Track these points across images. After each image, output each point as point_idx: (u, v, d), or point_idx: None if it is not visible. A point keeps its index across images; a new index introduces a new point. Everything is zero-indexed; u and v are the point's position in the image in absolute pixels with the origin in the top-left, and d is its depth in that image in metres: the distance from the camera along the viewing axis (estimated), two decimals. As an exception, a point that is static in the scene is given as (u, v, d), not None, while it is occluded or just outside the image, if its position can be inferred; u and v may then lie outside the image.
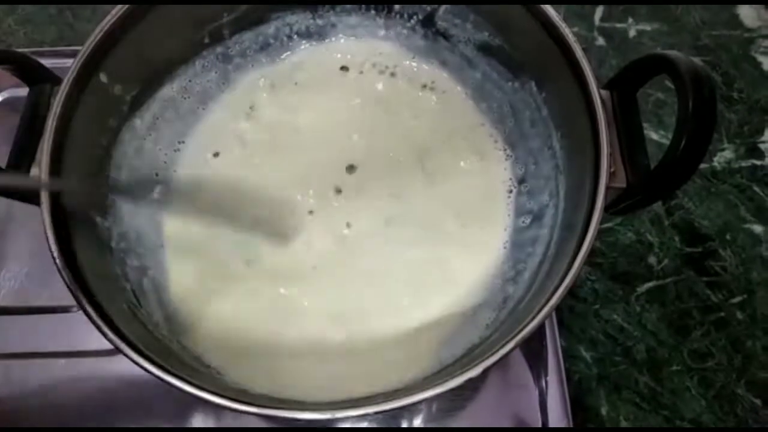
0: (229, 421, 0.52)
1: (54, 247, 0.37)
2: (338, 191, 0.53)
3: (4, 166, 0.41)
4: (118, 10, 0.44)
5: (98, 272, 0.41)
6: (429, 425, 0.53)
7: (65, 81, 0.41)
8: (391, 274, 0.50)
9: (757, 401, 0.58)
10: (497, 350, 0.35)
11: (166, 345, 0.41)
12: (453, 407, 0.53)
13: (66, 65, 0.44)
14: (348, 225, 0.52)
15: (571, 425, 0.52)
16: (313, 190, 0.53)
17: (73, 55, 0.57)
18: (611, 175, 0.39)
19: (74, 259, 0.38)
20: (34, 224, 0.57)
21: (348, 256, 0.51)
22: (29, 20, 0.77)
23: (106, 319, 0.36)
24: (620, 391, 0.58)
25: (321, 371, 0.47)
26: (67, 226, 0.40)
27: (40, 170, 0.39)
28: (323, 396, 0.38)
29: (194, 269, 0.50)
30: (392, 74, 0.57)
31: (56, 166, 0.40)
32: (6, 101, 0.66)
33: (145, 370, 0.35)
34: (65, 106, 0.41)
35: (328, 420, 0.33)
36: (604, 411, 0.57)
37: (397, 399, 0.34)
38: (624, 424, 0.57)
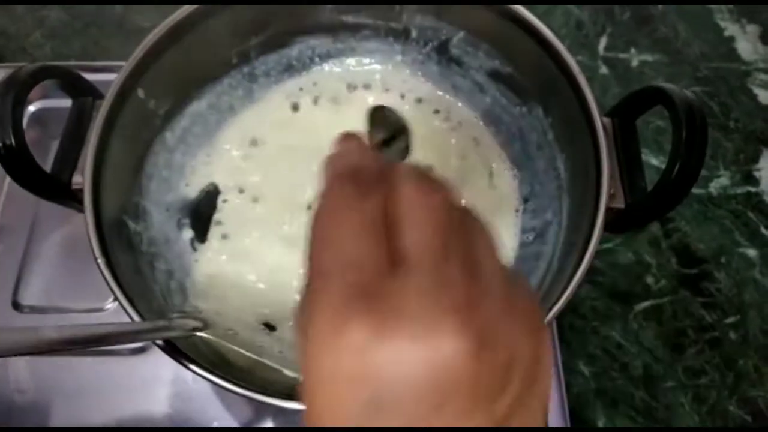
0: (241, 420, 0.54)
1: (96, 249, 0.40)
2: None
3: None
4: (157, 31, 0.47)
5: (130, 273, 0.44)
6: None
7: (108, 95, 0.44)
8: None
9: (748, 418, 0.59)
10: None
11: (192, 342, 0.44)
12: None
13: (94, 79, 0.47)
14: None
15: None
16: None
17: (101, 70, 0.61)
18: (611, 197, 0.42)
19: (110, 260, 0.41)
20: (60, 227, 0.61)
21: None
22: (55, 34, 0.79)
23: (140, 315, 0.39)
24: (617, 405, 0.59)
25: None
26: (103, 229, 0.42)
27: (83, 177, 0.42)
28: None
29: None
30: (405, 96, 0.60)
31: (97, 174, 0.43)
32: (35, 114, 0.68)
33: (180, 362, 0.37)
34: (107, 119, 0.44)
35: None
36: (601, 424, 0.59)
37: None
38: (620, 437, 0.59)
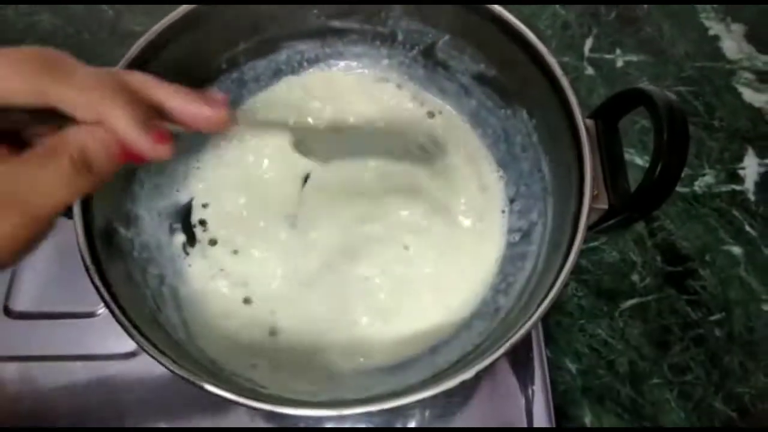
0: (234, 422, 0.54)
1: (86, 256, 0.40)
2: (341, 201, 0.56)
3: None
4: (143, 40, 0.47)
5: (121, 279, 0.44)
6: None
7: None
8: (389, 284, 0.53)
9: (734, 414, 0.60)
10: (489, 355, 0.38)
11: (184, 348, 0.44)
12: (444, 413, 0.55)
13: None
14: (347, 236, 0.54)
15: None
16: (315, 199, 0.56)
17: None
18: (594, 197, 0.42)
19: (101, 268, 0.41)
20: (51, 233, 0.61)
21: (346, 265, 0.53)
22: (47, 39, 0.79)
23: (132, 322, 0.39)
24: (603, 402, 0.60)
25: (322, 377, 0.50)
26: (93, 236, 0.42)
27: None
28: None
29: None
30: (393, 99, 0.60)
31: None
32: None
33: (169, 369, 0.37)
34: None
35: (336, 417, 0.36)
36: (587, 421, 0.59)
37: (396, 398, 0.37)
38: (606, 433, 0.60)
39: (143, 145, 0.31)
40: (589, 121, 0.46)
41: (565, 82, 0.45)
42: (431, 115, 0.60)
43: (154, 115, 0.33)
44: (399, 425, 0.55)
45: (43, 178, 0.28)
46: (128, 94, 0.31)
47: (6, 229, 0.27)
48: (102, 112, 0.29)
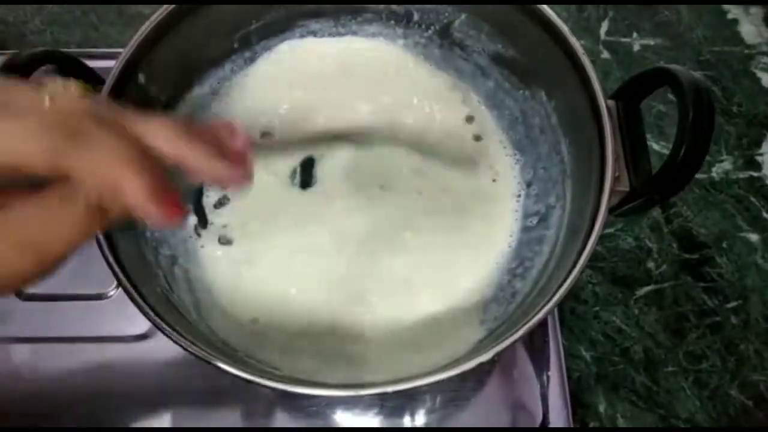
0: (246, 407, 0.54)
1: (99, 235, 0.40)
2: (355, 184, 0.55)
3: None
4: (155, 17, 0.46)
5: (133, 258, 0.43)
6: (434, 419, 0.55)
7: (108, 81, 0.43)
8: (403, 269, 0.52)
9: (749, 402, 0.60)
10: (506, 338, 0.37)
11: (197, 328, 0.44)
12: (458, 397, 0.55)
13: (95, 66, 0.47)
14: (360, 221, 0.54)
15: (570, 417, 0.54)
16: (328, 181, 0.56)
17: (102, 56, 0.61)
18: (615, 179, 0.42)
19: (114, 247, 0.41)
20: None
21: (360, 251, 0.53)
22: (55, 21, 0.79)
23: (145, 300, 0.39)
24: (618, 390, 0.60)
25: (337, 360, 0.49)
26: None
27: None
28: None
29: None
30: (409, 78, 0.59)
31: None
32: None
33: (183, 348, 0.37)
34: (107, 104, 0.44)
35: (351, 397, 0.36)
36: (602, 408, 0.59)
37: (413, 380, 0.36)
38: (621, 421, 0.59)
39: (153, 217, 0.29)
40: (610, 102, 0.45)
41: (586, 61, 0.44)
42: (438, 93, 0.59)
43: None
44: (410, 409, 0.55)
45: (59, 220, 0.28)
46: (144, 159, 0.29)
47: (18, 269, 0.27)
48: (113, 180, 0.28)
